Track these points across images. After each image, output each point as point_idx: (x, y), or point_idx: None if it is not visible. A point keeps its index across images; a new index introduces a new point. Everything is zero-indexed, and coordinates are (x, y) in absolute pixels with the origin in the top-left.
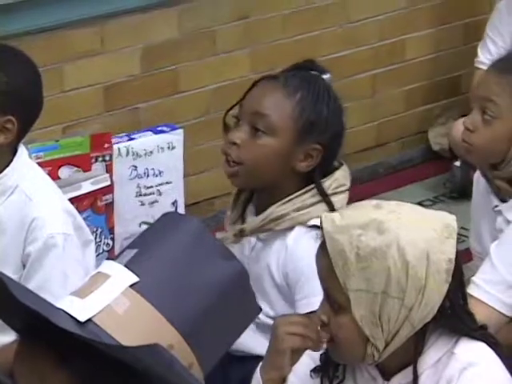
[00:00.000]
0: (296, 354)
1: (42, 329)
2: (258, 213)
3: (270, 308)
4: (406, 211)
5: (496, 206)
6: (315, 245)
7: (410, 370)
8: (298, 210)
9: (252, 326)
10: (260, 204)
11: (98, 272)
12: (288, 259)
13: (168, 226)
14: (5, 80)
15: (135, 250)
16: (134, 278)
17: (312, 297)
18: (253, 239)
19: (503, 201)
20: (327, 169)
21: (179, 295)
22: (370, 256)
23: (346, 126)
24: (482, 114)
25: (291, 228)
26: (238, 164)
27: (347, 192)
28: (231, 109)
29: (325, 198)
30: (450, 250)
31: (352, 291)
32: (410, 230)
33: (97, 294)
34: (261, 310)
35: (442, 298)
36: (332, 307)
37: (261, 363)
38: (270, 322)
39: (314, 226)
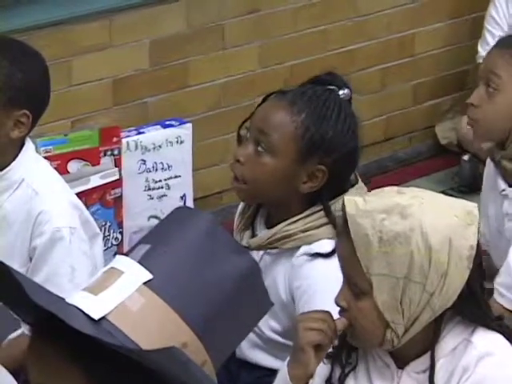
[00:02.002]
0: (320, 351)
1: (55, 326)
2: (266, 225)
3: (276, 323)
4: (428, 197)
5: (503, 190)
6: (321, 265)
7: (424, 358)
8: (306, 230)
9: (259, 342)
10: (268, 217)
11: (112, 267)
12: (293, 277)
13: (180, 221)
14: (20, 75)
15: (148, 246)
16: (148, 275)
17: None
18: (260, 251)
19: (510, 185)
20: (338, 189)
21: (193, 292)
22: (393, 240)
23: (359, 144)
24: (486, 87)
25: (298, 247)
26: (243, 182)
27: None
28: (246, 121)
29: (332, 220)
30: (471, 236)
31: (374, 276)
32: (433, 216)
33: (110, 290)
34: (273, 304)
35: (462, 284)
36: (352, 292)
37: (288, 358)
38: (277, 337)
39: (317, 254)
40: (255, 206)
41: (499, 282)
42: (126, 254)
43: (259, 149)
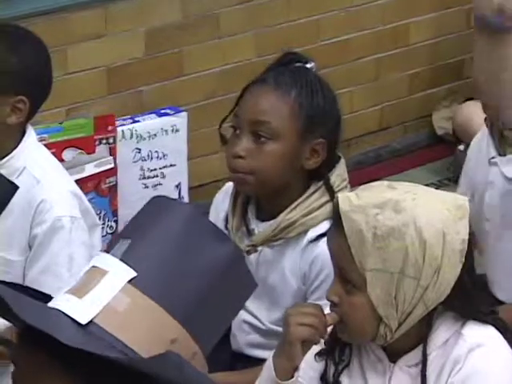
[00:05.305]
0: (307, 344)
1: (44, 336)
2: (261, 215)
3: (281, 314)
4: (420, 191)
5: (493, 158)
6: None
7: (416, 351)
8: (307, 214)
9: (258, 337)
10: (264, 205)
11: (94, 267)
12: (304, 261)
13: (159, 213)
14: (15, 60)
15: (128, 241)
16: (132, 273)
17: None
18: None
19: (500, 155)
20: (333, 161)
21: (177, 285)
22: (387, 236)
23: (341, 112)
24: None
25: (304, 233)
26: (248, 174)
27: (349, 186)
28: (225, 119)
29: (332, 195)
30: (463, 230)
31: (368, 271)
32: (425, 210)
33: (95, 292)
34: (257, 285)
35: (455, 278)
36: (345, 288)
37: (273, 350)
38: (278, 328)
39: (321, 235)
40: (242, 203)
41: None
42: (107, 251)
43: (260, 139)
